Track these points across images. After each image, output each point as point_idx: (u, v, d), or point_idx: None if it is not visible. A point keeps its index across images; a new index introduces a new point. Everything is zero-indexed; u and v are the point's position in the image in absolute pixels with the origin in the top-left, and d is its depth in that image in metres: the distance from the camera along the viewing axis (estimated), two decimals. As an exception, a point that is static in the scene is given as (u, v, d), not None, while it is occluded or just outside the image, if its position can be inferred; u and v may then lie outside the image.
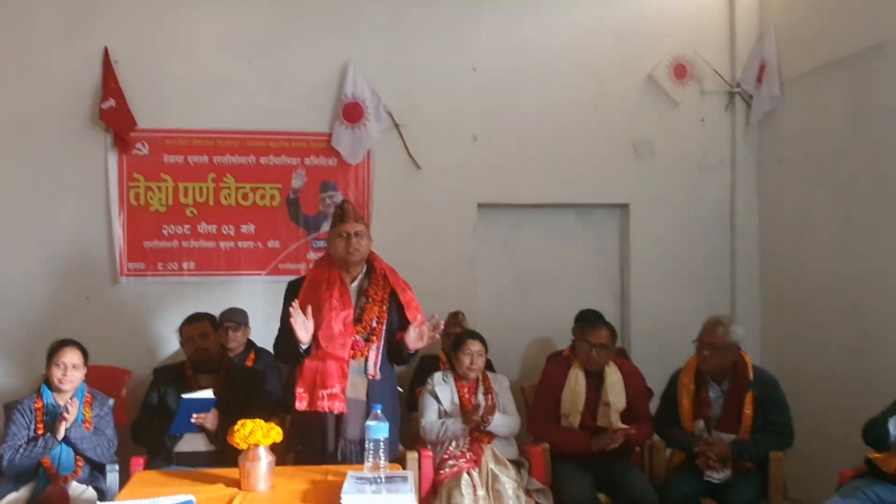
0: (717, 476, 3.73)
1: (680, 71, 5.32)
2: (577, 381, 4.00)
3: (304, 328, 3.21)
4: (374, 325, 3.35)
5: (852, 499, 3.32)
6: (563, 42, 5.24)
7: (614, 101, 5.30)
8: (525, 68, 5.19)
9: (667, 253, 5.36)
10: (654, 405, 4.20)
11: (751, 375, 3.82)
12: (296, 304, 3.22)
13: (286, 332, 3.28)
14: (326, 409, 3.27)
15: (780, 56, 5.18)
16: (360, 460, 3.14)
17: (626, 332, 5.33)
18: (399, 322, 3.40)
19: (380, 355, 3.36)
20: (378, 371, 3.35)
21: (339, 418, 3.31)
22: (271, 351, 4.52)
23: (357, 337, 3.32)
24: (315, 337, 3.29)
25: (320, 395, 3.27)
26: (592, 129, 5.26)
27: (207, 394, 3.60)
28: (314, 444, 3.35)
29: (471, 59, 5.14)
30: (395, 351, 3.42)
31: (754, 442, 3.75)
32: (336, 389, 3.26)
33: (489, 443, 3.87)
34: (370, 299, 3.37)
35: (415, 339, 3.30)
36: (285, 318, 3.27)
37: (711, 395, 3.87)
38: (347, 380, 3.29)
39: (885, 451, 3.36)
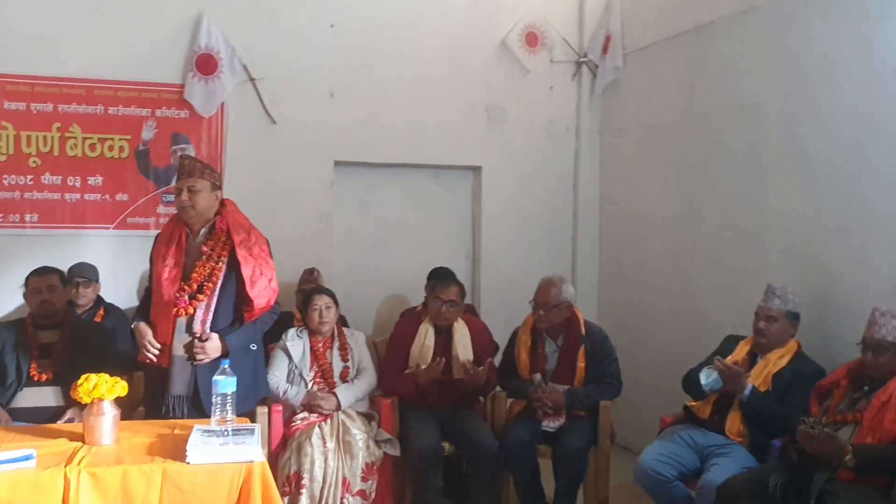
0: (552, 425, 3.94)
1: (531, 39, 5.49)
2: (426, 335, 4.13)
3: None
4: (205, 282, 3.33)
5: (670, 442, 3.60)
6: (421, 4, 5.29)
7: (469, 65, 5.41)
8: (383, 29, 5.21)
9: (515, 215, 5.58)
10: (499, 359, 4.37)
11: (583, 330, 4.05)
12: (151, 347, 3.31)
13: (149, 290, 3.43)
14: (150, 363, 3.33)
15: (624, 29, 5.42)
16: (189, 416, 3.23)
17: (477, 290, 5.53)
18: (239, 279, 3.36)
19: (210, 313, 3.34)
20: (206, 329, 3.33)
21: (166, 374, 3.34)
22: (120, 307, 4.49)
23: (183, 294, 3.31)
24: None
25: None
26: (448, 91, 5.37)
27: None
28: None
29: (329, 16, 5.11)
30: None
31: (586, 391, 3.98)
32: (159, 345, 3.31)
33: (341, 397, 3.96)
34: (205, 256, 3.36)
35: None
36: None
37: (547, 350, 4.09)
38: (172, 336, 3.31)
39: (701, 400, 3.66)
